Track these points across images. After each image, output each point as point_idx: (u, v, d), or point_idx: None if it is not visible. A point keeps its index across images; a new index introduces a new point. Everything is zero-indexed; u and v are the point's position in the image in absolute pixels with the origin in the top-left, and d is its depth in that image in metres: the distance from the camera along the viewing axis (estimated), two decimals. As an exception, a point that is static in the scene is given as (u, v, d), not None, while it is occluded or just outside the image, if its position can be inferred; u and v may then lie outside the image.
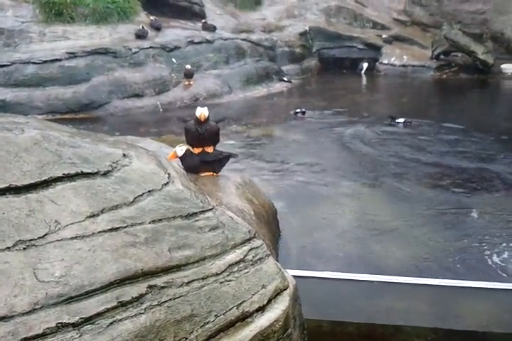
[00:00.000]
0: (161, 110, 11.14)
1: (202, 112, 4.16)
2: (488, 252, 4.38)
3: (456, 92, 13.83)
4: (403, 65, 16.40)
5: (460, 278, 3.75)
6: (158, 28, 13.23)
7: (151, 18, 13.52)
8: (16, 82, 10.60)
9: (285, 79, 14.60)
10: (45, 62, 10.85)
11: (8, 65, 10.71)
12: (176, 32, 13.49)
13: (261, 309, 2.20)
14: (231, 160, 4.61)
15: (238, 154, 4.82)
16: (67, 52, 11.13)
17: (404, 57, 16.62)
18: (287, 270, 2.69)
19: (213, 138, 4.28)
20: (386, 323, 3.23)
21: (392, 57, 16.72)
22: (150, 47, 12.20)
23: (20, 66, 10.74)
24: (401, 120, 9.51)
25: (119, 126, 9.71)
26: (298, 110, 10.53)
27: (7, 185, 2.07)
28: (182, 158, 4.12)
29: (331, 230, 4.89)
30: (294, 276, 2.66)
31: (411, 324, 3.21)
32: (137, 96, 11.34)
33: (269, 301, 2.25)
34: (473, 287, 3.58)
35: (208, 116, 4.20)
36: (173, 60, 12.43)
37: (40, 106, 10.44)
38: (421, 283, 3.58)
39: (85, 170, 2.31)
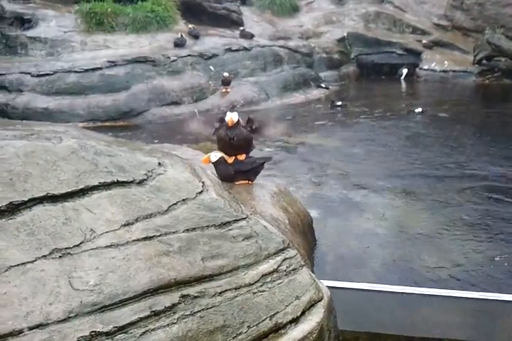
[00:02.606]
0: (199, 117, 11.24)
1: (231, 117, 4.11)
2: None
3: (500, 98, 13.47)
4: (444, 71, 16.10)
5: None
6: (196, 36, 13.39)
7: (190, 26, 13.70)
8: (58, 90, 10.89)
9: (323, 85, 14.54)
10: (86, 70, 11.11)
11: (50, 74, 11.01)
12: (214, 40, 13.62)
13: (294, 321, 2.17)
14: (267, 167, 4.58)
15: (272, 157, 4.74)
16: (107, 61, 11.37)
17: (445, 62, 16.32)
18: (322, 281, 2.65)
19: (245, 144, 4.23)
20: (425, 336, 3.15)
21: (433, 63, 16.43)
22: (188, 55, 12.34)
23: (63, 75, 11.03)
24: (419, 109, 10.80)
25: (157, 134, 9.84)
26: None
27: (44, 193, 2.11)
28: (215, 165, 4.12)
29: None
30: (330, 287, 2.63)
31: (450, 337, 3.12)
32: (175, 103, 11.49)
33: (303, 313, 2.23)
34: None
35: (239, 121, 4.17)
36: (211, 67, 12.55)
37: (81, 114, 10.68)
38: (460, 296, 3.48)
39: (121, 179, 2.33)
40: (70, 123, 10.01)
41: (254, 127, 4.31)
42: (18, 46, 12.30)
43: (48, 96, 10.77)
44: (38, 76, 10.97)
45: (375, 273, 4.11)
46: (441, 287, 3.74)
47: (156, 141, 8.43)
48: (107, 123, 10.64)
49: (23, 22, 12.71)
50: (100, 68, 11.22)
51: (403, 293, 3.49)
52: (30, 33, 12.42)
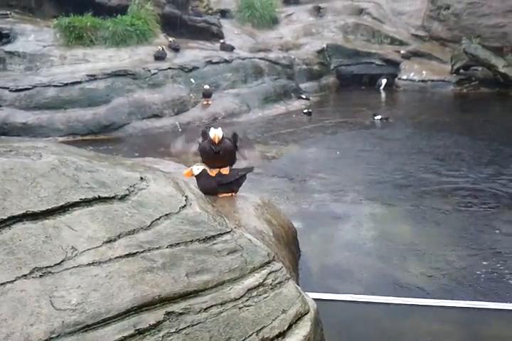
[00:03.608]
0: (180, 130, 11.20)
1: (215, 134, 4.07)
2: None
3: (478, 107, 13.67)
4: (422, 80, 16.30)
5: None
6: (176, 49, 13.40)
7: (170, 39, 13.71)
8: (37, 104, 10.75)
9: (303, 96, 14.62)
10: (65, 84, 11.00)
11: (29, 89, 10.88)
12: (194, 53, 13.63)
13: (281, 335, 2.14)
14: (249, 179, 4.56)
15: (254, 168, 4.75)
16: (87, 75, 11.28)
17: (424, 72, 16.53)
18: (308, 293, 2.64)
19: (229, 158, 4.22)
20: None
21: (411, 73, 16.63)
22: (169, 68, 12.32)
23: (42, 89, 10.91)
24: (378, 117, 11.50)
25: (139, 147, 9.78)
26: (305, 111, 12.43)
27: (24, 211, 2.07)
28: (198, 178, 4.09)
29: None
30: (316, 299, 2.61)
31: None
32: (156, 116, 11.42)
33: (290, 326, 2.20)
34: (500, 309, 3.47)
35: (223, 137, 4.15)
36: (192, 80, 12.54)
37: (61, 129, 10.56)
38: (447, 305, 3.48)
39: (102, 195, 2.30)
40: (49, 138, 9.94)
41: (237, 144, 4.26)
42: (-4, 61, 12.18)
43: (26, 111, 10.64)
44: (17, 90, 10.84)
45: (361, 284, 4.10)
46: (427, 296, 3.74)
47: (137, 154, 8.37)
48: (87, 137, 10.54)
49: (1, 37, 12.59)
50: (80, 82, 11.13)
51: (389, 303, 3.49)
52: (8, 47, 12.31)
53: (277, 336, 2.13)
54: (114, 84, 11.38)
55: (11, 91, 10.85)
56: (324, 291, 3.69)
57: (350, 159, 8.34)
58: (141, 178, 2.56)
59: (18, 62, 12.15)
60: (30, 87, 10.94)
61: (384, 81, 16.90)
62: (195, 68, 12.81)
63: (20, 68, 12.09)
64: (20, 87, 10.90)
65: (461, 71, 16.09)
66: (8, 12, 13.41)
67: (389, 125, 11.21)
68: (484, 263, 4.43)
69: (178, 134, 10.32)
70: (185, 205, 2.49)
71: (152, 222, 2.29)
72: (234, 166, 4.30)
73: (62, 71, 11.69)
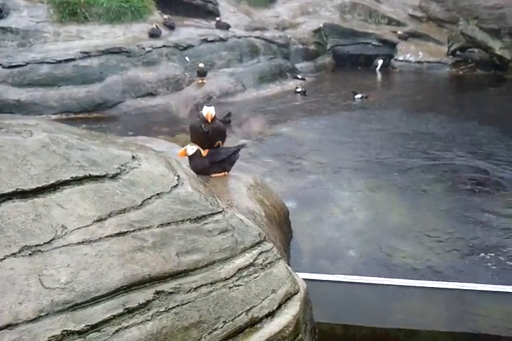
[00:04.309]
0: (174, 109, 11.13)
1: (208, 111, 4.05)
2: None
3: (473, 89, 13.64)
4: (418, 62, 16.22)
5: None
6: (171, 27, 13.22)
7: (165, 16, 13.52)
8: (31, 81, 10.64)
9: (299, 76, 14.53)
10: (59, 61, 10.88)
11: (22, 65, 10.75)
12: (190, 30, 13.47)
13: (271, 314, 2.16)
14: (242, 159, 4.55)
15: (245, 144, 4.66)
16: (81, 52, 11.15)
17: (420, 53, 16.44)
18: (298, 273, 2.65)
19: (219, 137, 4.20)
20: (401, 327, 3.17)
21: (408, 54, 16.54)
22: (163, 46, 12.18)
23: (35, 66, 10.78)
24: (359, 96, 11.80)
25: (133, 126, 9.72)
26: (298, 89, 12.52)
27: (14, 189, 2.05)
28: (190, 158, 4.07)
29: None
30: (306, 280, 2.62)
31: (426, 328, 3.15)
32: (150, 95, 11.35)
33: (279, 306, 2.22)
34: (489, 290, 3.51)
35: (215, 116, 4.13)
36: (187, 58, 12.42)
37: (54, 106, 10.47)
38: (436, 286, 3.51)
39: (93, 173, 2.29)
40: (42, 116, 9.87)
41: (229, 120, 4.25)
42: (-12, 37, 12.00)
43: (20, 88, 10.52)
44: (10, 67, 10.70)
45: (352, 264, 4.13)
46: (417, 277, 3.77)
47: (131, 133, 8.32)
48: (80, 115, 10.47)
49: (-6, 12, 12.41)
50: (74, 59, 11.00)
51: (379, 284, 3.51)
52: (1, 23, 12.09)
53: (267, 316, 2.15)
54: (108, 62, 11.26)
55: (4, 67, 10.72)
56: (315, 271, 3.71)
57: (342, 139, 8.34)
58: (133, 157, 2.54)
59: (11, 38, 11.95)
60: (23, 63, 10.81)
61: (380, 62, 16.79)
62: (190, 46, 12.69)
63: (13, 44, 11.89)
64: (13, 64, 10.76)
65: (458, 53, 16.01)
66: (1, -13, 13.17)
67: (380, 106, 11.20)
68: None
69: (173, 113, 10.31)
70: (177, 185, 2.48)
71: (143, 201, 2.28)
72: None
73: (55, 48, 11.53)
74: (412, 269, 4.04)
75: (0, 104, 10.19)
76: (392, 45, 17.01)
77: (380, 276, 3.68)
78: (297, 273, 2.61)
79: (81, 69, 10.96)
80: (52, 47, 11.53)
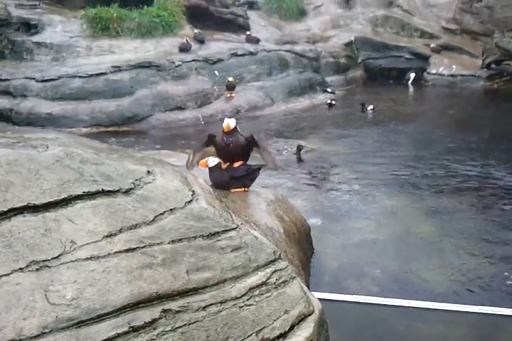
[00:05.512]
0: (202, 123, 11.18)
1: (228, 123, 4.06)
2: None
3: (509, 102, 13.32)
4: (452, 75, 15.95)
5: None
6: (201, 41, 13.35)
7: (195, 31, 13.66)
8: (63, 95, 10.86)
9: (329, 90, 14.45)
10: (90, 75, 11.08)
11: (55, 79, 11.00)
12: (220, 45, 13.57)
13: (282, 336, 2.10)
14: (268, 174, 4.50)
15: (265, 165, 4.63)
16: (112, 66, 11.34)
17: (453, 66, 16.17)
18: (315, 293, 2.58)
19: (241, 151, 4.17)
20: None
21: (441, 67, 16.29)
22: (193, 60, 12.30)
23: (67, 80, 11.01)
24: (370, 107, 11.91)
25: (160, 139, 9.79)
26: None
27: (25, 203, 2.05)
28: (211, 171, 4.06)
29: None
30: (324, 300, 2.55)
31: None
32: (179, 108, 11.43)
33: (292, 327, 2.15)
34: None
35: (236, 128, 4.11)
36: (216, 72, 12.49)
37: (85, 120, 10.64)
38: (459, 309, 3.37)
39: (106, 188, 2.28)
40: (73, 129, 10.03)
41: (258, 143, 4.16)
42: (23, 51, 12.29)
43: (52, 102, 10.75)
44: (43, 81, 10.96)
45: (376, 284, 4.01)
46: (440, 300, 3.63)
47: (158, 147, 8.37)
48: (110, 129, 10.60)
49: (30, 27, 12.72)
50: (105, 73, 11.20)
51: (399, 306, 3.39)
52: (36, 38, 12.43)
53: (278, 337, 2.08)
54: (139, 76, 11.41)
55: (37, 81, 10.98)
56: (336, 290, 3.61)
57: (374, 154, 8.20)
58: (148, 172, 2.52)
59: (45, 52, 12.25)
60: (56, 77, 11.06)
61: (412, 75, 16.58)
62: (219, 60, 12.77)
63: (47, 59, 12.19)
64: (46, 78, 11.02)
65: (493, 66, 15.70)
66: (38, 2, 13.54)
67: (408, 120, 10.99)
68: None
69: (201, 127, 10.34)
70: (191, 200, 2.44)
71: (155, 216, 2.26)
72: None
73: (87, 62, 11.76)
74: (439, 290, 3.90)
75: (32, 117, 10.42)
76: (425, 58, 16.79)
77: (404, 298, 3.55)
78: (313, 292, 2.53)
79: (112, 83, 11.13)
80: (85, 62, 11.76)
